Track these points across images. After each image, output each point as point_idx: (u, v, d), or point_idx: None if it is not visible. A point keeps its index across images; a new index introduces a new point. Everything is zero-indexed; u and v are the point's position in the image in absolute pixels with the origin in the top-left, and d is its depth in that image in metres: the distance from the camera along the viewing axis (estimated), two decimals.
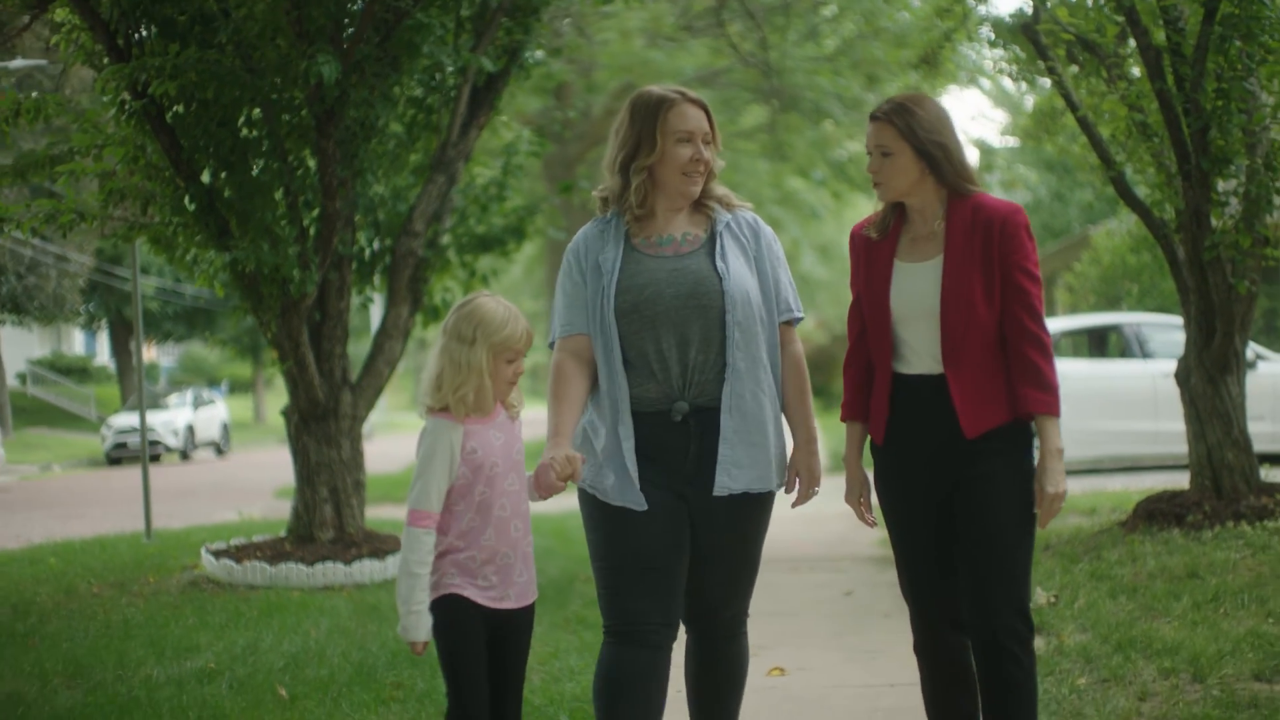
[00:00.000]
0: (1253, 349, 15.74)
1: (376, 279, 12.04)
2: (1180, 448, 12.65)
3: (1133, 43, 10.20)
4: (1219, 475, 10.08)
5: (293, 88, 9.93)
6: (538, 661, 7.23)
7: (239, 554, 10.92)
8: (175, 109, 10.01)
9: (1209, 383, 10.13)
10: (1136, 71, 10.81)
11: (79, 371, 51.65)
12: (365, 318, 36.83)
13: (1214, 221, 9.83)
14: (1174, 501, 10.16)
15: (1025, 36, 11.29)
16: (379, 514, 14.95)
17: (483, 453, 4.44)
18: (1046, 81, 12.05)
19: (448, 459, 4.41)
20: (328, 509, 11.05)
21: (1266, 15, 9.10)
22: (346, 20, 10.05)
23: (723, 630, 4.83)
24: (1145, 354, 17.28)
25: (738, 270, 4.63)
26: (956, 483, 4.60)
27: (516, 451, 4.57)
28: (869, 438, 4.83)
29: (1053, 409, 4.49)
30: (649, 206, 4.68)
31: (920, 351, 4.63)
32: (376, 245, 12.02)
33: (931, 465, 4.64)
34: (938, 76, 15.05)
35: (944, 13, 13.66)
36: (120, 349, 46.29)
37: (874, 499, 4.85)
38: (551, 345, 4.75)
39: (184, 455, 35.39)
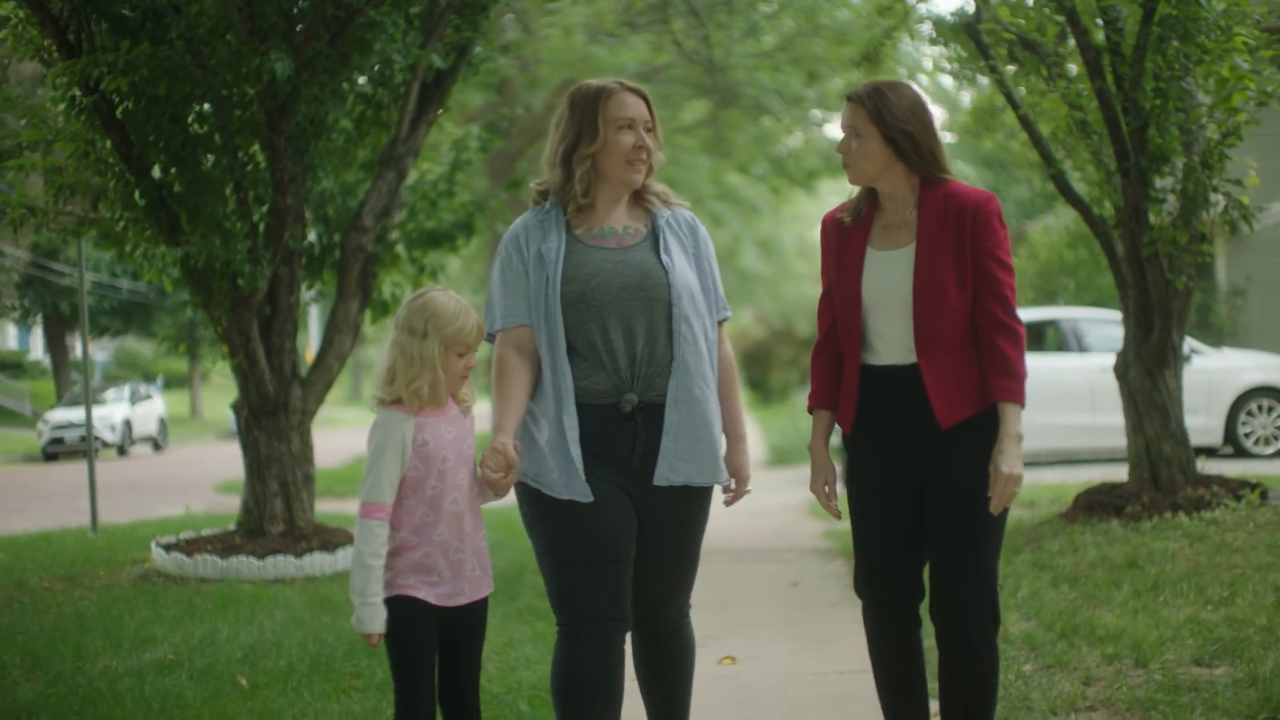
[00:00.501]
0: (1188, 344, 15.99)
1: (325, 274, 12.06)
2: (1116, 441, 12.85)
3: (1073, 42, 10.37)
4: (1157, 467, 10.27)
5: (244, 84, 9.93)
6: (493, 652, 7.29)
7: (189, 547, 10.91)
8: (125, 105, 9.98)
9: (1147, 377, 10.32)
10: (1076, 70, 10.99)
11: (13, 366, 51.08)
12: (304, 315, 36.55)
13: (1152, 218, 10.02)
14: (1113, 493, 10.33)
15: (967, 35, 11.43)
16: (320, 508, 14.93)
17: (434, 445, 4.44)
18: (986, 79, 12.20)
19: (399, 451, 4.40)
20: (278, 502, 11.06)
21: (1203, 16, 9.28)
22: (295, 11, 10.05)
23: (665, 628, 4.82)
24: (1082, 348, 17.61)
25: (681, 266, 4.63)
26: (928, 473, 4.59)
27: (468, 446, 4.55)
28: (838, 428, 4.79)
29: (1017, 396, 4.46)
30: (592, 197, 4.65)
31: (892, 341, 4.59)
32: (326, 240, 12.05)
33: (903, 455, 4.61)
34: (879, 74, 15.18)
35: (885, 10, 13.81)
36: (55, 344, 45.79)
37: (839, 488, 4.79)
38: (490, 338, 4.69)
39: (121, 451, 35.12)
